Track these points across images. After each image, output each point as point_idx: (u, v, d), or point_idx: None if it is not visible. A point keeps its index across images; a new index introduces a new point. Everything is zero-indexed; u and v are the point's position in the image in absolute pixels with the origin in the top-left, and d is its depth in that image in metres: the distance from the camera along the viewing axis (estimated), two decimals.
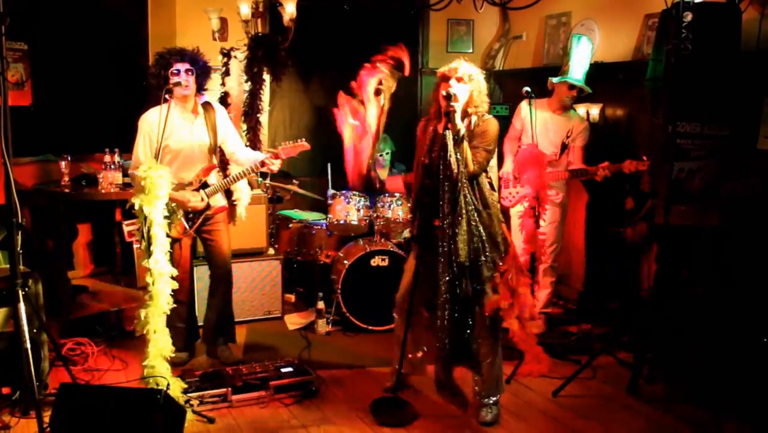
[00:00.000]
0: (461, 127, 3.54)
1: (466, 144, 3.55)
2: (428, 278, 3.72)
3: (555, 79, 4.99)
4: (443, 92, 3.55)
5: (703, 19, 3.90)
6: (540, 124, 4.92)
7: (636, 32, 5.33)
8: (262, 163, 4.27)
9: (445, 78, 3.64)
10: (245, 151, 4.49)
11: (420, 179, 3.75)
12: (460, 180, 3.52)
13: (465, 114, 3.64)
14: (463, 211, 3.55)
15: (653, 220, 4.82)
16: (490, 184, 3.74)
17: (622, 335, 4.64)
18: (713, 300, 4.13)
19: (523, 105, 5.05)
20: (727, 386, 3.96)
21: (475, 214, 3.60)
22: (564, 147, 4.87)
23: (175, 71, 4.12)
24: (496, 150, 3.77)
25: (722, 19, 4.08)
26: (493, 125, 3.68)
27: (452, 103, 3.50)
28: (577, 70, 4.89)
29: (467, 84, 3.61)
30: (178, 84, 4.07)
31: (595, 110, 5.25)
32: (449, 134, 3.49)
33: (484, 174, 3.69)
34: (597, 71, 5.51)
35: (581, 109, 5.28)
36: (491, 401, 3.82)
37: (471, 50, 6.94)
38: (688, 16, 3.83)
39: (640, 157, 4.52)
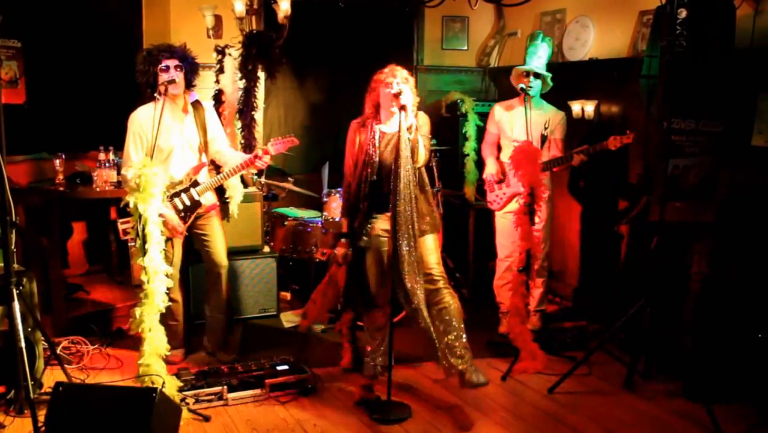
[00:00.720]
0: (413, 120, 3.84)
1: (419, 135, 3.85)
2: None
3: (513, 73, 4.98)
4: (394, 90, 3.81)
5: (697, 16, 3.90)
6: (513, 121, 4.95)
7: (631, 29, 5.33)
8: (253, 159, 4.26)
9: (385, 82, 3.90)
10: (229, 151, 4.51)
11: (365, 177, 3.94)
12: (414, 168, 3.82)
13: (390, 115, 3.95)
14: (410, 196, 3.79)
15: (648, 217, 4.84)
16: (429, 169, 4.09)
17: (619, 332, 4.64)
18: (710, 295, 4.14)
19: (496, 109, 5.12)
20: (723, 382, 3.98)
21: (413, 197, 3.82)
22: (544, 139, 4.87)
23: (164, 67, 4.10)
24: None
25: (716, 15, 4.08)
26: (427, 119, 4.05)
27: (403, 101, 3.74)
28: (533, 61, 4.88)
29: (407, 84, 3.89)
30: (170, 81, 4.05)
31: (590, 107, 5.25)
32: (403, 128, 3.72)
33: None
34: (592, 68, 5.53)
35: (576, 105, 5.28)
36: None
37: (466, 47, 6.93)
38: (683, 13, 3.84)
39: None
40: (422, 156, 3.87)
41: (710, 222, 4.24)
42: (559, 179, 5.46)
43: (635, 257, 5.03)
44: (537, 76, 4.82)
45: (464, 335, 3.93)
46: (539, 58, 4.85)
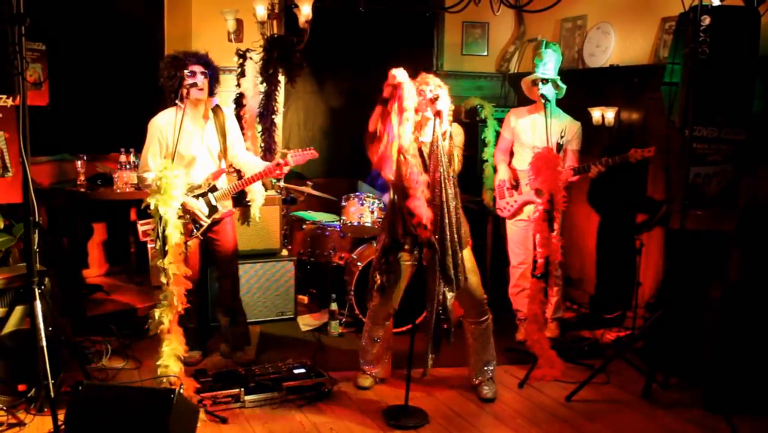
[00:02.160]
0: (447, 127, 3.79)
1: (452, 142, 3.81)
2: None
3: (522, 84, 4.96)
4: (431, 95, 3.72)
5: (721, 23, 3.87)
6: (529, 128, 4.93)
7: (652, 36, 5.30)
8: (273, 168, 4.29)
9: (418, 89, 3.74)
10: (246, 156, 4.53)
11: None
12: (454, 177, 3.80)
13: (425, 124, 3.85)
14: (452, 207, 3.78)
15: (668, 225, 4.81)
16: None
17: (637, 341, 4.61)
18: (731, 303, 4.10)
19: (511, 115, 5.11)
20: (744, 393, 3.94)
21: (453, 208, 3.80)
22: (559, 147, 4.85)
23: (189, 73, 4.10)
24: None
25: (740, 23, 4.04)
26: (461, 129, 3.96)
27: (438, 106, 3.70)
28: (543, 69, 4.85)
29: (443, 90, 3.78)
30: (194, 85, 4.07)
31: (610, 114, 5.22)
32: (439, 134, 3.71)
33: None
34: (612, 75, 5.50)
35: (596, 112, 5.25)
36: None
37: (486, 53, 6.92)
38: (706, 20, 3.80)
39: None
40: (458, 164, 3.84)
41: (732, 231, 4.20)
42: (579, 187, 5.43)
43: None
44: (546, 81, 4.80)
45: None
46: (545, 65, 4.82)
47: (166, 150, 4.12)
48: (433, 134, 3.72)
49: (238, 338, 4.60)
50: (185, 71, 4.08)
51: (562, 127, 4.81)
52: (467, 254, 3.97)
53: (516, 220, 5.04)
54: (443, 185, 3.72)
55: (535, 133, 4.89)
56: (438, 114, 3.69)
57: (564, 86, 4.84)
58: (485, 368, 4.17)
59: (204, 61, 4.19)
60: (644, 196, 5.20)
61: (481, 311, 4.10)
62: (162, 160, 3.94)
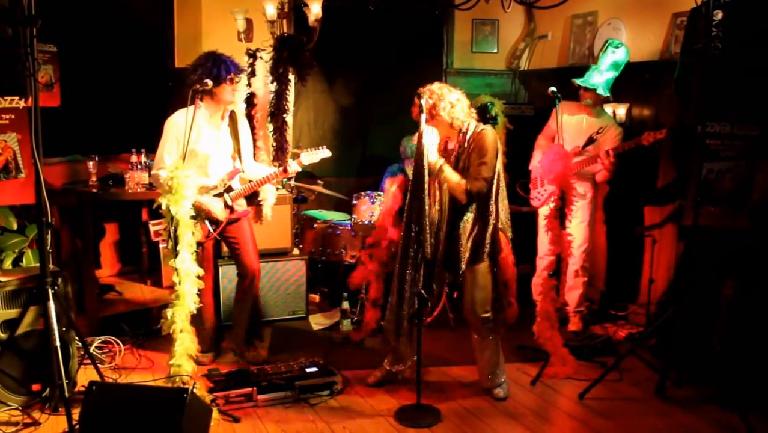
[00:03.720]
0: (435, 161, 3.74)
1: (447, 172, 3.76)
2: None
3: (578, 81, 4.96)
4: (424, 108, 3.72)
5: (733, 18, 3.84)
6: (573, 126, 4.91)
7: (663, 31, 5.27)
8: (282, 173, 4.35)
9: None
10: (253, 164, 4.59)
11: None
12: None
13: (449, 132, 3.86)
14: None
15: (681, 221, 4.78)
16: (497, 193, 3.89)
17: (650, 338, 4.59)
18: (745, 300, 4.08)
19: (560, 106, 5.02)
20: (759, 389, 3.91)
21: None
22: (590, 140, 4.82)
23: (235, 80, 4.20)
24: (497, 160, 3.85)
25: (753, 17, 4.01)
26: (488, 137, 3.78)
27: (422, 141, 3.67)
28: (595, 75, 4.85)
29: (424, 102, 3.72)
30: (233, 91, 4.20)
31: (621, 110, 5.20)
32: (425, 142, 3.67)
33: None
34: (623, 71, 5.46)
35: (608, 108, 5.23)
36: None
37: (496, 50, 6.91)
38: (719, 15, 3.77)
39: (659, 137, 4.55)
40: (452, 186, 3.79)
41: (745, 227, 4.17)
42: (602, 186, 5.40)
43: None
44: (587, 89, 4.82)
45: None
46: (600, 71, 4.84)
47: (184, 148, 4.15)
48: (420, 143, 3.69)
49: (251, 336, 4.61)
50: (228, 77, 4.14)
51: (602, 124, 4.80)
52: (482, 270, 3.93)
53: (543, 212, 5.03)
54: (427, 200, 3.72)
55: (579, 132, 4.89)
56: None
57: (606, 93, 4.86)
58: (490, 376, 4.15)
59: (239, 69, 4.26)
60: (655, 189, 5.17)
61: (483, 328, 4.04)
62: (175, 160, 3.96)
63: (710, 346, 4.25)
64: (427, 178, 3.70)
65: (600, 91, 4.83)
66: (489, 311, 3.99)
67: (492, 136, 3.79)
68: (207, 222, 4.27)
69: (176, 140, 4.14)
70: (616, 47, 4.88)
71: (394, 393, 4.14)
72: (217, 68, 4.10)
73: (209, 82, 4.02)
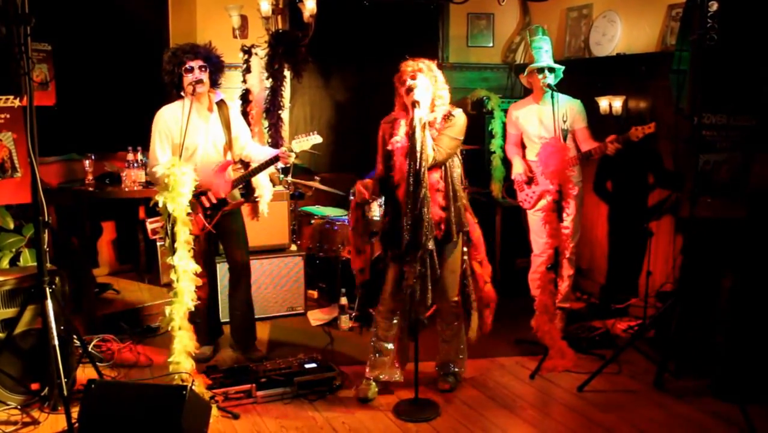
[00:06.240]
0: (422, 116, 3.66)
1: (427, 131, 3.68)
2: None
3: (525, 73, 4.96)
4: (406, 85, 3.72)
5: (728, 9, 3.83)
6: (532, 118, 4.93)
7: (659, 23, 5.27)
8: (278, 158, 4.29)
9: (401, 79, 3.79)
10: (255, 146, 4.54)
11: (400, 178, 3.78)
12: (423, 167, 3.60)
13: (433, 105, 3.84)
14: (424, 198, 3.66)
15: (678, 212, 4.78)
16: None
17: (648, 330, 4.60)
18: (743, 291, 4.08)
19: (511, 111, 5.14)
20: (757, 381, 3.92)
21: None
22: (565, 133, 4.82)
23: (188, 68, 4.12)
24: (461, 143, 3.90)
25: (749, 8, 4.00)
26: (462, 119, 3.86)
27: (415, 97, 3.65)
28: (544, 57, 4.84)
29: (424, 75, 3.76)
30: (199, 81, 4.08)
31: (617, 103, 5.20)
32: (417, 122, 3.60)
33: (456, 165, 3.90)
34: (619, 63, 5.47)
35: (603, 101, 5.23)
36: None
37: (491, 44, 6.89)
38: (714, 6, 3.77)
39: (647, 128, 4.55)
40: (429, 156, 3.67)
41: (742, 218, 4.17)
42: (586, 178, 5.40)
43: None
44: (551, 70, 4.80)
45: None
46: (547, 52, 4.82)
47: (173, 142, 4.14)
48: (411, 125, 3.64)
49: (242, 333, 4.61)
50: (184, 67, 4.11)
51: (563, 111, 4.80)
52: (454, 252, 3.93)
53: (535, 210, 5.03)
54: (411, 178, 3.62)
55: (540, 122, 4.89)
56: (414, 105, 3.63)
57: (561, 67, 4.85)
58: (447, 364, 4.18)
59: (203, 54, 4.18)
60: (664, 172, 5.17)
61: (451, 314, 4.05)
62: (171, 157, 3.95)
63: (709, 337, 4.26)
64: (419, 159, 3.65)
65: (560, 74, 4.85)
66: (458, 295, 4.01)
67: (465, 119, 3.89)
68: (201, 215, 4.26)
69: (165, 135, 4.15)
70: (544, 34, 4.92)
71: (393, 388, 4.14)
72: (171, 65, 4.14)
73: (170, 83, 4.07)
